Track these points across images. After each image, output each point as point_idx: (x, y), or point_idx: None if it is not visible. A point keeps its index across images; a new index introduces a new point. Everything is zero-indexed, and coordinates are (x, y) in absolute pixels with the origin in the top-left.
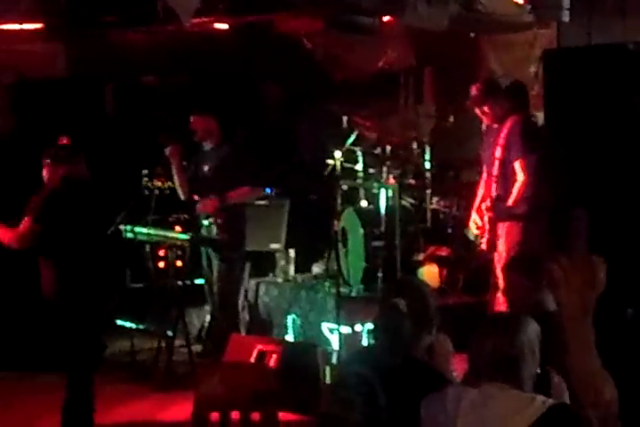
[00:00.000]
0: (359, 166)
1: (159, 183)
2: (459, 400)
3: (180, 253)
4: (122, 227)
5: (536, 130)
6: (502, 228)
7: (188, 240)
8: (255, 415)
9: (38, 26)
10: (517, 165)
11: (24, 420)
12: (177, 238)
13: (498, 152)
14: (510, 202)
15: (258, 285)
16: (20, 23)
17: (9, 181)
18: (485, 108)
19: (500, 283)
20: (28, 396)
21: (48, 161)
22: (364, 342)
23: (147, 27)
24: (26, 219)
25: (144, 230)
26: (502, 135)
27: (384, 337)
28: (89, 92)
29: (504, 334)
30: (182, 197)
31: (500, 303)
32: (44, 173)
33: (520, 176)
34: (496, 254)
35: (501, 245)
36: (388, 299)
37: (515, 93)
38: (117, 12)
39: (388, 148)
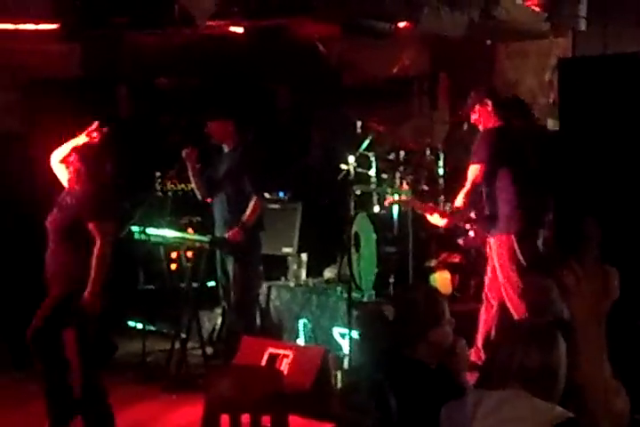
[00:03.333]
0: (372, 172)
1: (172, 185)
2: (478, 404)
3: (192, 255)
4: (134, 229)
5: (502, 142)
6: (493, 241)
7: (207, 242)
8: (265, 419)
9: (53, 26)
10: (470, 169)
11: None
12: (196, 240)
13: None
14: (457, 203)
15: (269, 288)
16: (36, 24)
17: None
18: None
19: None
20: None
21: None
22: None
23: (162, 29)
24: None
25: (160, 232)
26: None
27: (363, 344)
28: (103, 94)
29: (547, 346)
30: (200, 198)
31: (511, 310)
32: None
33: (467, 183)
34: (488, 268)
35: (495, 259)
36: (373, 307)
37: (505, 105)
38: (133, 14)
39: (402, 153)
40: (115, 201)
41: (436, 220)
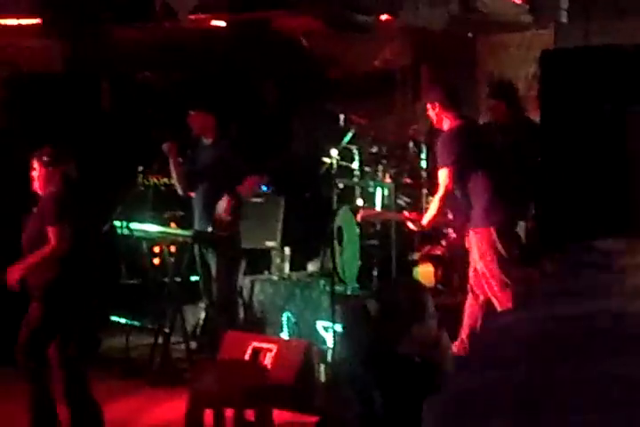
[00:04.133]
0: (355, 165)
1: (155, 180)
2: None
3: (175, 249)
4: (116, 223)
5: (465, 141)
6: (472, 235)
7: (191, 237)
8: (249, 413)
9: (35, 21)
10: (439, 174)
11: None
12: (180, 235)
13: None
14: (424, 220)
15: (253, 282)
16: (18, 18)
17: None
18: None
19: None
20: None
21: (47, 160)
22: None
23: (144, 23)
24: (51, 229)
25: (143, 227)
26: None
27: (345, 340)
28: (85, 88)
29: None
30: (180, 193)
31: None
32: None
33: (440, 188)
34: (471, 262)
35: (474, 253)
36: (356, 302)
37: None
38: (115, 9)
39: (385, 146)
40: (77, 205)
41: (412, 225)
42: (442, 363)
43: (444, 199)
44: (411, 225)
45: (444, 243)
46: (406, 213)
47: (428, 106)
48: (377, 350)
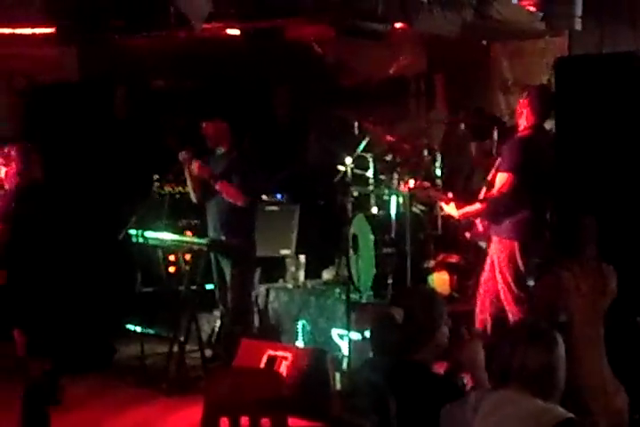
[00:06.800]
0: (370, 173)
1: (170, 188)
2: (479, 404)
3: (190, 257)
4: (132, 232)
5: (530, 152)
6: (496, 243)
7: (206, 245)
8: (265, 421)
9: (50, 30)
10: (498, 177)
11: None
12: (195, 243)
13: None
14: (461, 211)
15: (268, 290)
16: (32, 28)
17: None
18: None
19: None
20: None
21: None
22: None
23: (157, 32)
24: None
25: (159, 235)
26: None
27: (374, 347)
28: (100, 97)
29: (547, 347)
30: (194, 201)
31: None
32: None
33: (494, 190)
34: (486, 265)
35: (495, 260)
36: (381, 308)
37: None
38: (129, 17)
39: (399, 154)
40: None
41: (451, 209)
42: (455, 370)
43: (494, 202)
44: (445, 208)
45: (468, 234)
46: (449, 196)
47: (524, 94)
48: (400, 358)
